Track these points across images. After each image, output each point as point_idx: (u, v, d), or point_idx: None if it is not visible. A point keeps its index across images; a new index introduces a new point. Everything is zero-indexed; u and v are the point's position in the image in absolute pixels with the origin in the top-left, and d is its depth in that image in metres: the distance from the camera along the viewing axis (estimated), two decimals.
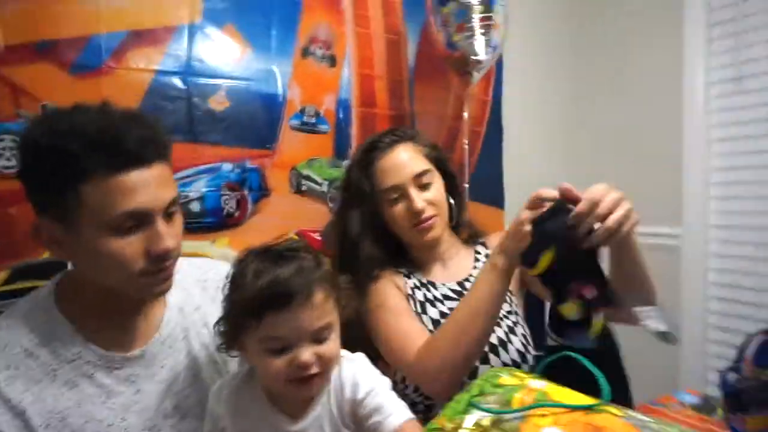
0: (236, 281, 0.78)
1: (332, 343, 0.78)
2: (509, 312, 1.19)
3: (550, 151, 2.17)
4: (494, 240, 1.33)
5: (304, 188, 1.64)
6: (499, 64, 1.96)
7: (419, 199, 1.15)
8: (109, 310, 0.85)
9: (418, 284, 1.21)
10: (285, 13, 1.61)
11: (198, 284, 0.98)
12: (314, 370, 0.74)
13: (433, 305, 1.18)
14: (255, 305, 0.73)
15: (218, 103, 1.52)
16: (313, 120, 1.66)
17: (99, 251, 0.75)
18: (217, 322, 0.82)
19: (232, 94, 1.53)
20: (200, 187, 1.49)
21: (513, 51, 1.98)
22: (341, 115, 1.70)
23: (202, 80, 1.50)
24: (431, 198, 1.17)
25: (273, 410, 0.81)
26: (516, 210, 2.22)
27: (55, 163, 0.73)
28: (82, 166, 0.72)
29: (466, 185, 1.70)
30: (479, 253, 1.29)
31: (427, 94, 1.83)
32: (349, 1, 1.70)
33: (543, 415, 0.53)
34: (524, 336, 1.19)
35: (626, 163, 2.05)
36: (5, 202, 1.27)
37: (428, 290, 1.21)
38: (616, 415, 0.54)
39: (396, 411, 0.77)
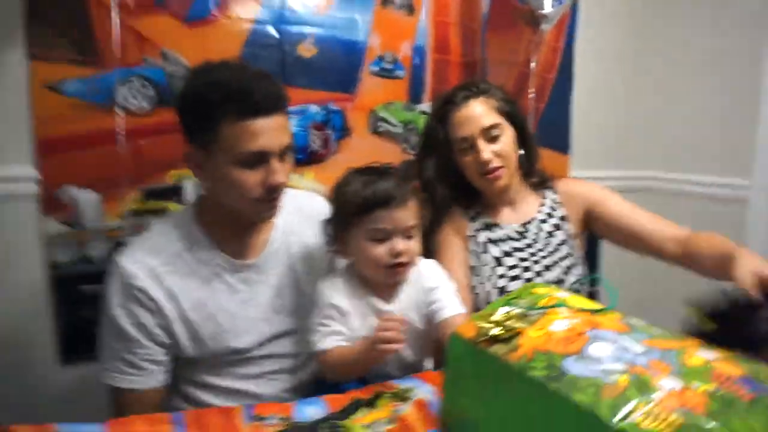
0: (346, 189, 1.01)
1: (416, 241, 1.03)
2: (568, 254, 1.33)
3: (619, 99, 2.19)
4: (562, 185, 1.43)
5: (381, 130, 1.81)
6: (574, 12, 1.99)
7: (487, 150, 1.26)
8: (232, 228, 1.08)
9: (481, 227, 1.35)
10: None
11: (296, 212, 1.19)
12: (404, 258, 0.99)
13: (496, 245, 1.33)
14: (367, 204, 0.97)
15: (306, 50, 1.69)
16: (391, 66, 1.80)
17: (228, 178, 0.97)
18: (327, 222, 1.06)
19: (319, 41, 1.70)
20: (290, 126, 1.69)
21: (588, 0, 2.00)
22: (417, 61, 1.82)
23: (293, 29, 1.66)
24: (498, 150, 1.27)
25: (371, 295, 1.05)
26: (581, 155, 2.31)
27: (201, 108, 0.95)
28: (221, 112, 0.94)
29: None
30: (545, 198, 1.39)
31: (499, 42, 1.91)
32: None
33: (558, 313, 0.70)
34: (578, 276, 1.32)
35: (697, 115, 2.06)
36: (136, 136, 1.54)
37: (491, 231, 1.35)
38: (615, 319, 0.70)
39: (453, 305, 1.03)
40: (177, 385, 1.10)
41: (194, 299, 1.03)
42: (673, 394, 0.54)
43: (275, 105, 0.97)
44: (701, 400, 0.53)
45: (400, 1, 1.79)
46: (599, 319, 0.69)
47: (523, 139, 1.34)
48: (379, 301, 1.04)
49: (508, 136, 1.30)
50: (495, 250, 1.32)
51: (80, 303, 1.54)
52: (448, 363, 0.76)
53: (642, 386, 0.55)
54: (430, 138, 1.35)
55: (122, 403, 1.01)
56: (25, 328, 1.50)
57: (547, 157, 1.99)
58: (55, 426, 0.74)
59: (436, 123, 1.34)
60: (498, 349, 0.68)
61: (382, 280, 1.03)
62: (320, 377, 1.08)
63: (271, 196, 1.01)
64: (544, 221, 1.35)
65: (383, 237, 0.99)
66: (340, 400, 0.87)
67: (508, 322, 0.69)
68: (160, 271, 1.01)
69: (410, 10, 1.80)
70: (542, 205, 1.37)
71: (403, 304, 1.04)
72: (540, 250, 1.32)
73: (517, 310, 0.72)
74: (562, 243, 1.34)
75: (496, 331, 0.69)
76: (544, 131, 2.02)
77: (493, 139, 1.27)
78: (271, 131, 0.96)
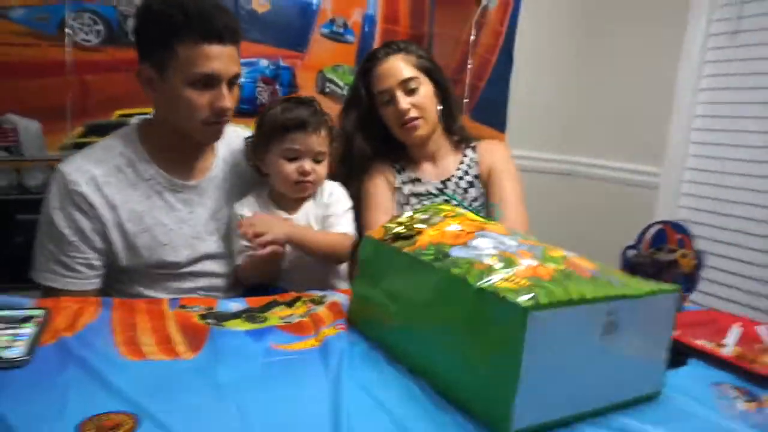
0: (269, 114, 1.17)
1: (324, 166, 1.20)
2: (480, 209, 1.44)
3: (553, 83, 2.35)
4: (483, 146, 1.54)
5: (327, 90, 1.90)
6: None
7: (404, 101, 1.35)
8: (176, 150, 1.15)
9: (406, 180, 1.45)
10: None
11: (239, 146, 1.27)
12: (310, 178, 1.15)
13: (417, 198, 1.44)
14: (284, 126, 1.13)
15: (260, 5, 1.75)
16: (342, 30, 1.89)
17: (179, 97, 1.04)
18: (250, 138, 1.19)
19: None
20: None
21: None
22: (366, 29, 1.92)
23: None
24: (416, 101, 1.36)
25: (277, 207, 1.21)
26: (515, 135, 2.43)
27: (161, 26, 1.01)
28: (181, 33, 1.00)
29: (466, 100, 1.92)
30: (466, 156, 1.49)
31: (447, 18, 2.02)
32: None
33: (454, 219, 0.81)
34: None
35: (622, 103, 2.24)
36: (83, 70, 1.56)
37: (414, 186, 1.45)
38: (501, 226, 0.81)
39: (343, 224, 1.21)
40: (109, 296, 1.15)
41: (132, 211, 1.09)
42: (528, 269, 0.65)
43: (232, 36, 1.05)
44: (549, 273, 0.65)
45: None
46: (488, 225, 0.80)
47: (443, 96, 1.44)
48: (282, 213, 1.19)
49: (425, 89, 1.39)
50: (416, 204, 1.42)
51: (15, 230, 1.56)
52: (359, 263, 0.86)
53: (506, 263, 0.67)
54: (354, 92, 1.44)
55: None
56: None
57: (484, 133, 2.14)
58: None
59: (359, 79, 1.43)
60: (400, 244, 0.78)
61: (290, 195, 1.19)
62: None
63: (216, 119, 1.09)
64: (461, 178, 1.46)
65: (295, 156, 1.15)
66: (261, 300, 0.96)
67: (410, 224, 0.80)
68: (101, 180, 1.07)
69: None
70: (461, 162, 1.48)
71: (302, 214, 1.20)
72: (456, 205, 1.44)
73: (421, 216, 0.82)
74: (475, 199, 1.45)
75: (399, 229, 0.79)
76: (483, 109, 2.15)
77: (411, 92, 1.36)
78: (224, 58, 1.04)
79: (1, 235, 1.55)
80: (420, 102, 1.37)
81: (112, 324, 0.79)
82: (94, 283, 1.09)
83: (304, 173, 1.15)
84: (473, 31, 1.95)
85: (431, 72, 1.42)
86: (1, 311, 0.75)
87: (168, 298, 0.92)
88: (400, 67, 1.37)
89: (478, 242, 0.73)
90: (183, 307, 0.88)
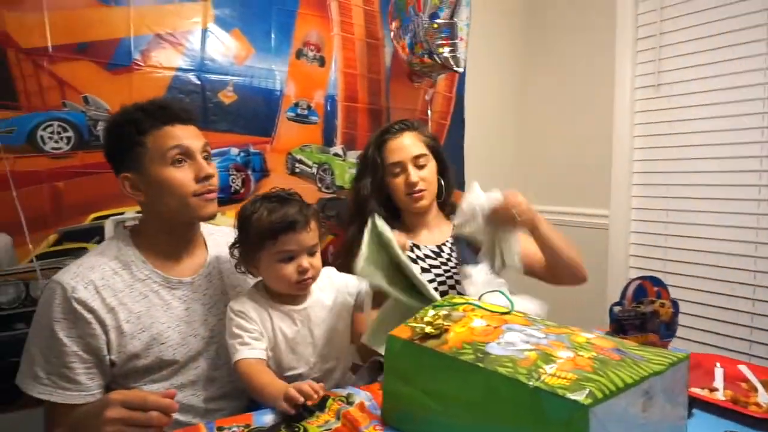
0: (253, 217, 1.13)
1: (318, 257, 1.18)
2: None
3: (503, 141, 2.52)
4: None
5: (297, 170, 1.94)
6: None
7: (415, 174, 1.52)
8: (168, 248, 1.18)
9: (409, 245, 1.54)
10: (283, 20, 1.89)
11: (228, 245, 1.29)
12: (310, 274, 1.14)
13: (416, 262, 1.51)
14: (273, 230, 1.10)
15: (227, 97, 1.80)
16: (306, 112, 1.95)
17: (162, 179, 1.10)
18: (235, 246, 1.17)
19: (238, 89, 1.81)
20: None
21: (474, 55, 2.30)
22: (329, 108, 2.00)
23: (214, 77, 1.77)
24: (424, 176, 1.53)
25: (280, 303, 1.17)
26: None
27: (127, 131, 1.10)
28: (144, 127, 1.09)
29: None
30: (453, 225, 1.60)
31: (401, 91, 2.15)
32: (337, 11, 2.00)
33: (476, 314, 0.87)
34: None
35: (565, 154, 2.42)
36: (54, 178, 1.53)
37: (412, 251, 1.54)
38: (520, 316, 0.88)
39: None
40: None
41: (130, 312, 1.10)
42: (568, 361, 0.72)
43: (189, 117, 1.16)
44: (588, 363, 0.71)
45: (312, 54, 1.96)
46: (508, 317, 0.87)
47: (442, 172, 1.61)
48: (287, 306, 1.17)
49: (431, 166, 1.56)
50: (416, 268, 1.49)
51: None
52: (387, 362, 0.90)
53: (546, 358, 0.73)
54: (370, 160, 1.57)
55: (57, 416, 1.04)
56: None
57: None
58: None
59: (374, 149, 1.57)
60: (431, 343, 0.83)
61: (293, 293, 1.17)
62: None
63: (205, 188, 1.14)
64: (453, 243, 1.55)
65: (290, 257, 1.12)
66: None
67: (437, 322, 0.85)
68: (98, 284, 1.08)
69: (321, 62, 1.99)
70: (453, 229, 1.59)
71: (317, 302, 1.21)
72: (452, 267, 1.52)
73: (443, 312, 0.88)
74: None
75: (428, 329, 0.84)
76: None
77: (420, 167, 1.53)
78: (190, 134, 1.14)
79: None
80: (427, 176, 1.53)
81: None
82: (96, 394, 1.06)
83: (303, 271, 1.12)
84: (429, 106, 2.08)
85: (436, 151, 1.59)
86: None
87: (204, 423, 0.91)
88: (413, 143, 1.54)
89: (510, 337, 0.79)
90: (220, 429, 0.88)
